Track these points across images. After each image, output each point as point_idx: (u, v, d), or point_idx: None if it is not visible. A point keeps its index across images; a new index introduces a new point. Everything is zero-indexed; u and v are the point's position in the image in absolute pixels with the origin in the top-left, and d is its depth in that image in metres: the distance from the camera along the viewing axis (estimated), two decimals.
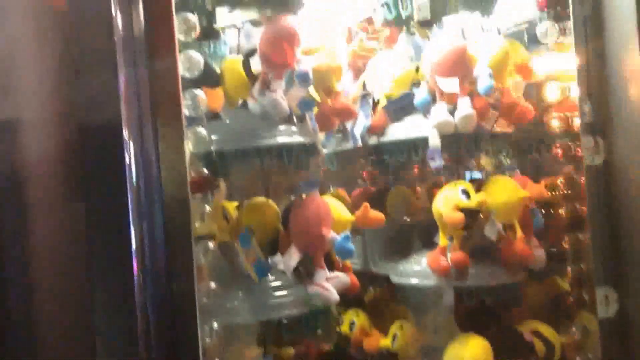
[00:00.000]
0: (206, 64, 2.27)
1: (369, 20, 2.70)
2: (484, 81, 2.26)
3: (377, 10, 2.58)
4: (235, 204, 2.26)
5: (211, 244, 1.84)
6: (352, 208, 2.38)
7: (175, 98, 1.67)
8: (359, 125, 2.61)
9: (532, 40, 2.66)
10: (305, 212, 2.08)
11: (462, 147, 2.42)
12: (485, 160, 2.89)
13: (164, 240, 1.61)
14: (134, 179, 1.62)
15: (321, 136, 2.60)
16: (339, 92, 2.23)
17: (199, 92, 1.88)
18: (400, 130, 2.52)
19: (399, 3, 2.46)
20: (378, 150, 2.66)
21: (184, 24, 1.86)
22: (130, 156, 1.62)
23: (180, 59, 1.83)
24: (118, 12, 1.66)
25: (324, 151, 2.82)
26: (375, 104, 2.62)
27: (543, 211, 2.58)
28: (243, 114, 2.19)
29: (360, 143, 2.62)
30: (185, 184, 1.64)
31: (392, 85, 2.56)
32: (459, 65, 2.31)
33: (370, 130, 2.59)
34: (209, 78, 2.23)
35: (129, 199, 1.63)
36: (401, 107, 2.56)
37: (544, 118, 2.50)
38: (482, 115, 2.32)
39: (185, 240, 1.63)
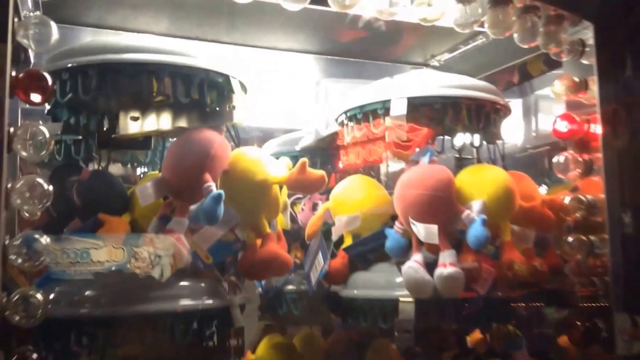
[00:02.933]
0: (111, 184, 1.71)
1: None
2: (476, 230, 1.63)
3: (346, 124, 1.99)
4: None
5: None
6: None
7: None
8: (316, 268, 1.98)
9: (546, 173, 2.04)
10: None
11: (444, 317, 1.76)
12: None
13: None
14: None
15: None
16: (269, 235, 1.61)
17: (44, 239, 1.28)
18: (364, 282, 1.88)
19: (369, 118, 1.86)
20: (339, 303, 2.01)
21: (30, 137, 1.28)
22: None
23: (18, 189, 1.25)
24: None
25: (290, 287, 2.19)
26: (337, 242, 2.00)
27: None
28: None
29: (315, 289, 1.98)
30: None
31: (359, 219, 1.93)
32: (440, 206, 1.68)
33: (329, 278, 1.95)
34: (113, 202, 1.67)
35: None
36: (368, 250, 1.93)
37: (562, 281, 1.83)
38: (473, 275, 1.67)
39: None
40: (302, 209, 2.26)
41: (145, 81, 1.51)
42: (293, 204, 2.31)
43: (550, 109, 2.69)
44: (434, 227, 1.64)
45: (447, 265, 1.63)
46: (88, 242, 1.45)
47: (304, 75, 2.55)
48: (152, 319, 1.48)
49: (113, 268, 1.42)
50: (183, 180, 1.51)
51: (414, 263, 1.68)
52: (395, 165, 2.13)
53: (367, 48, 2.50)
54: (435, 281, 1.65)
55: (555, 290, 1.98)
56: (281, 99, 2.68)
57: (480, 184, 1.72)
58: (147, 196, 1.51)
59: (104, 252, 1.45)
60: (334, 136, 2.26)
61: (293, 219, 2.30)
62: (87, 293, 1.46)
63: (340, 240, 2.00)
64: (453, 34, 2.39)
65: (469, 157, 2.20)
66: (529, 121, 2.73)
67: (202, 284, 1.54)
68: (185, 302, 1.50)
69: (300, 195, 2.26)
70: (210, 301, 1.52)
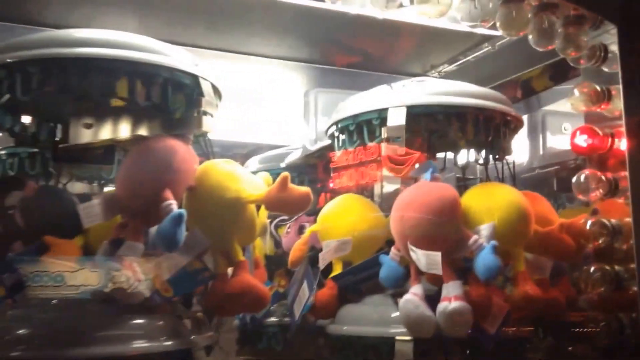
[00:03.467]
0: (60, 202, 1.48)
1: (329, 148, 1.89)
2: (485, 259, 1.39)
3: (337, 137, 1.76)
4: None
5: None
6: None
7: None
8: (301, 300, 1.74)
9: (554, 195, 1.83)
10: None
11: (448, 358, 1.51)
12: None
13: None
14: None
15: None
16: (243, 263, 1.37)
17: None
18: (354, 317, 1.63)
19: (363, 129, 1.64)
20: (326, 340, 1.77)
21: None
22: None
23: None
24: None
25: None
26: (326, 270, 1.75)
27: None
28: None
29: (298, 323, 1.74)
30: None
31: (350, 244, 1.69)
32: (445, 230, 1.45)
33: (315, 311, 1.71)
34: (62, 223, 1.42)
35: None
36: (360, 280, 1.69)
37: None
38: (482, 311, 1.43)
39: None
40: (287, 232, 2.03)
41: (97, 80, 1.28)
42: (278, 226, 2.08)
43: (560, 125, 2.49)
44: (437, 255, 1.40)
45: (452, 299, 1.39)
46: (63, 264, 1.26)
47: (291, 85, 2.33)
48: None
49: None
50: (138, 197, 1.27)
51: (413, 296, 1.44)
52: (390, 186, 1.90)
53: (361, 57, 2.29)
54: (438, 318, 1.41)
55: (567, 323, 1.74)
56: (266, 111, 2.46)
57: (490, 205, 1.48)
58: (93, 216, 1.27)
59: (79, 276, 1.24)
60: (324, 151, 2.04)
61: (277, 244, 2.08)
62: (20, 332, 1.21)
63: (329, 268, 1.75)
64: (454, 42, 2.21)
65: (471, 177, 1.99)
66: (536, 139, 2.51)
67: (160, 322, 1.29)
68: (139, 345, 1.25)
69: (285, 217, 2.04)
70: (169, 342, 1.27)
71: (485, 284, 1.43)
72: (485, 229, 1.44)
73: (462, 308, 1.39)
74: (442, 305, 1.41)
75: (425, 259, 1.41)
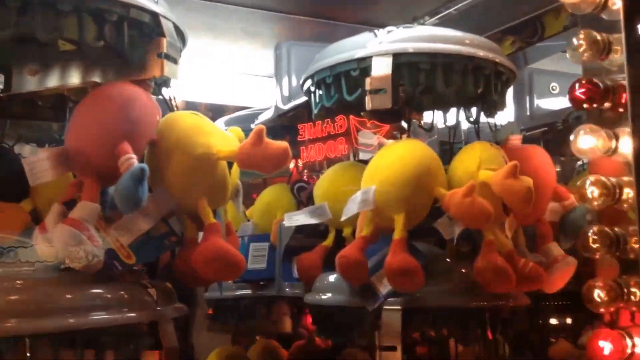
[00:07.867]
0: (5, 161, 1.31)
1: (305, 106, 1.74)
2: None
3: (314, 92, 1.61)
4: None
5: None
6: None
7: None
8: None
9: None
10: None
11: None
12: None
13: None
14: None
15: None
16: (215, 226, 1.21)
17: None
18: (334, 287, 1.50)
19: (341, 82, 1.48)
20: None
21: None
22: None
23: None
24: None
25: None
26: None
27: None
28: None
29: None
30: None
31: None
32: None
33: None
34: (7, 185, 1.26)
35: None
36: None
37: None
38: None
39: None
40: None
41: (40, 18, 1.10)
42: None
43: (548, 84, 2.35)
44: None
45: None
46: (13, 239, 1.14)
47: (261, 38, 2.16)
48: (54, 339, 1.08)
49: None
50: (93, 151, 1.11)
51: None
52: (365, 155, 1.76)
53: (338, 7, 2.13)
54: None
55: None
56: (233, 67, 2.27)
57: (376, 167, 1.39)
58: (40, 172, 1.11)
59: (33, 251, 1.12)
60: (299, 110, 1.89)
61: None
62: None
63: None
64: None
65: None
66: (523, 99, 2.37)
67: (122, 292, 1.15)
68: (98, 316, 1.10)
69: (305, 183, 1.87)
70: (132, 314, 1.13)
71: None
72: (361, 194, 1.35)
73: None
74: None
75: None
